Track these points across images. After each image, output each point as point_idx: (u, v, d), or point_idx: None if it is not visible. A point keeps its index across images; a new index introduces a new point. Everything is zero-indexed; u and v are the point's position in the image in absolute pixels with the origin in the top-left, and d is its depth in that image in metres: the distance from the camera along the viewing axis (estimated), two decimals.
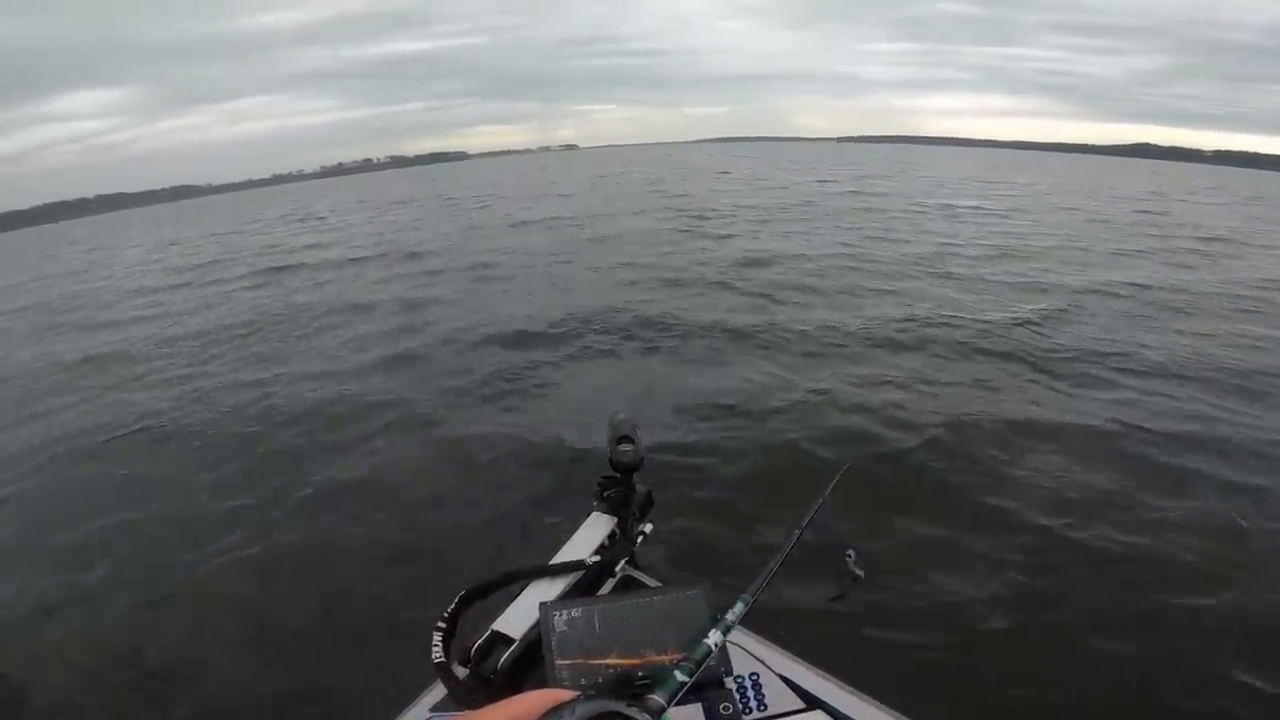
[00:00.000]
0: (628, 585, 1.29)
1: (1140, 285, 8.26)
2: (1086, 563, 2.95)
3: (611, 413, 1.44)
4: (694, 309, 6.98)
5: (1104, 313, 6.97)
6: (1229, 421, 4.32)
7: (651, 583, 1.29)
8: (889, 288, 7.93)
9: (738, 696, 1.03)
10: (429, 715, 1.04)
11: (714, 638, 0.81)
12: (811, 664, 1.10)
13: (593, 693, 0.69)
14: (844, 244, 11.04)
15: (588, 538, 1.33)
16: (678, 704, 0.67)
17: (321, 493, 3.88)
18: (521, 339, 6.25)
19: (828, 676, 1.07)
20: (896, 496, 3.46)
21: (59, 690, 2.61)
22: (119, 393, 5.98)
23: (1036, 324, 6.36)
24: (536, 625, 1.06)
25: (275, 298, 9.57)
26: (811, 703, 1.04)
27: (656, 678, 0.66)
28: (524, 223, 16.08)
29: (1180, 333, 6.33)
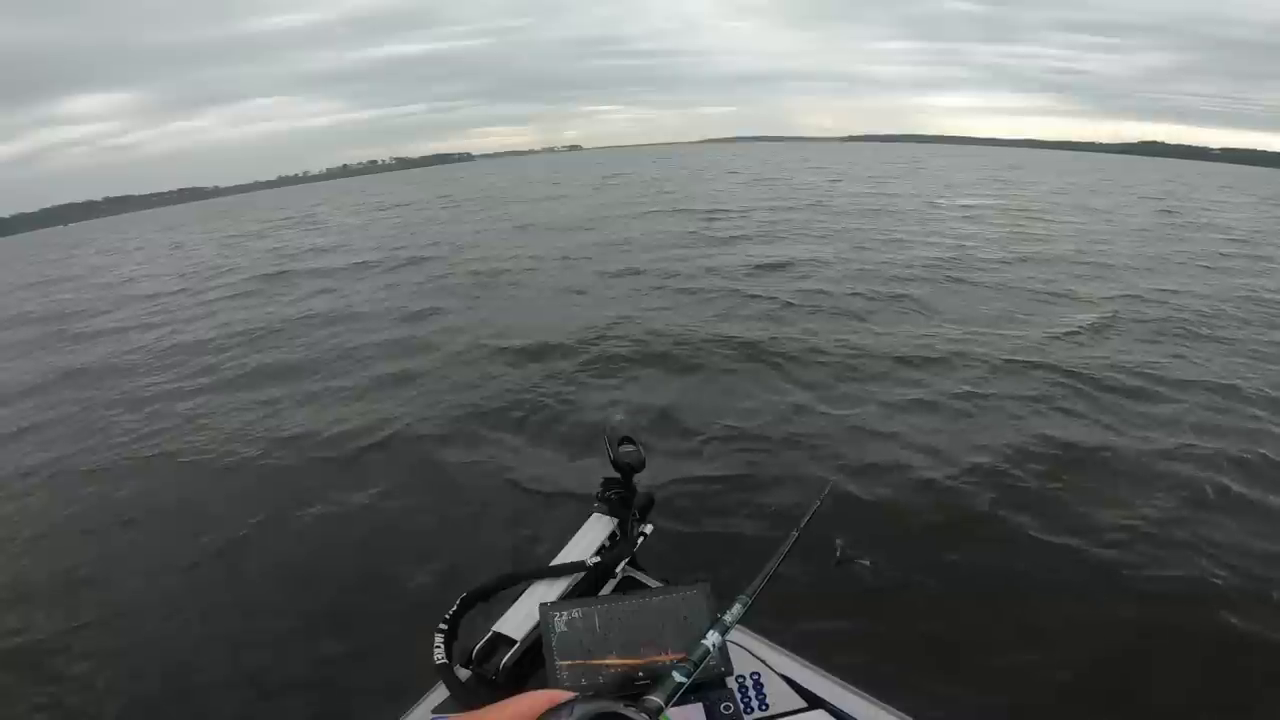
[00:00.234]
0: (628, 586, 1.29)
1: (1178, 291, 7.88)
2: (1089, 565, 2.94)
3: (608, 415, 1.45)
4: (700, 316, 6.80)
5: (1145, 322, 6.63)
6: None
7: (652, 584, 1.29)
8: (905, 292, 7.63)
9: (739, 696, 1.03)
10: (431, 717, 1.05)
11: (712, 638, 0.81)
12: (813, 663, 1.10)
13: (591, 693, 0.69)
14: (859, 247, 10.72)
15: (588, 539, 1.33)
16: (679, 703, 0.68)
17: (323, 497, 3.89)
18: (526, 351, 6.01)
19: (829, 676, 1.07)
20: (897, 497, 3.46)
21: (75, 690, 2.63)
22: (116, 408, 5.81)
23: (1074, 336, 6.03)
24: (537, 626, 1.06)
25: (276, 307, 9.32)
26: (813, 702, 1.04)
27: (656, 678, 0.66)
28: (529, 225, 15.89)
29: (1229, 343, 5.99)
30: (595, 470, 1.52)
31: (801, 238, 11.81)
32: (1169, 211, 17.70)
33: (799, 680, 1.07)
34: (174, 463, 4.50)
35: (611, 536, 1.35)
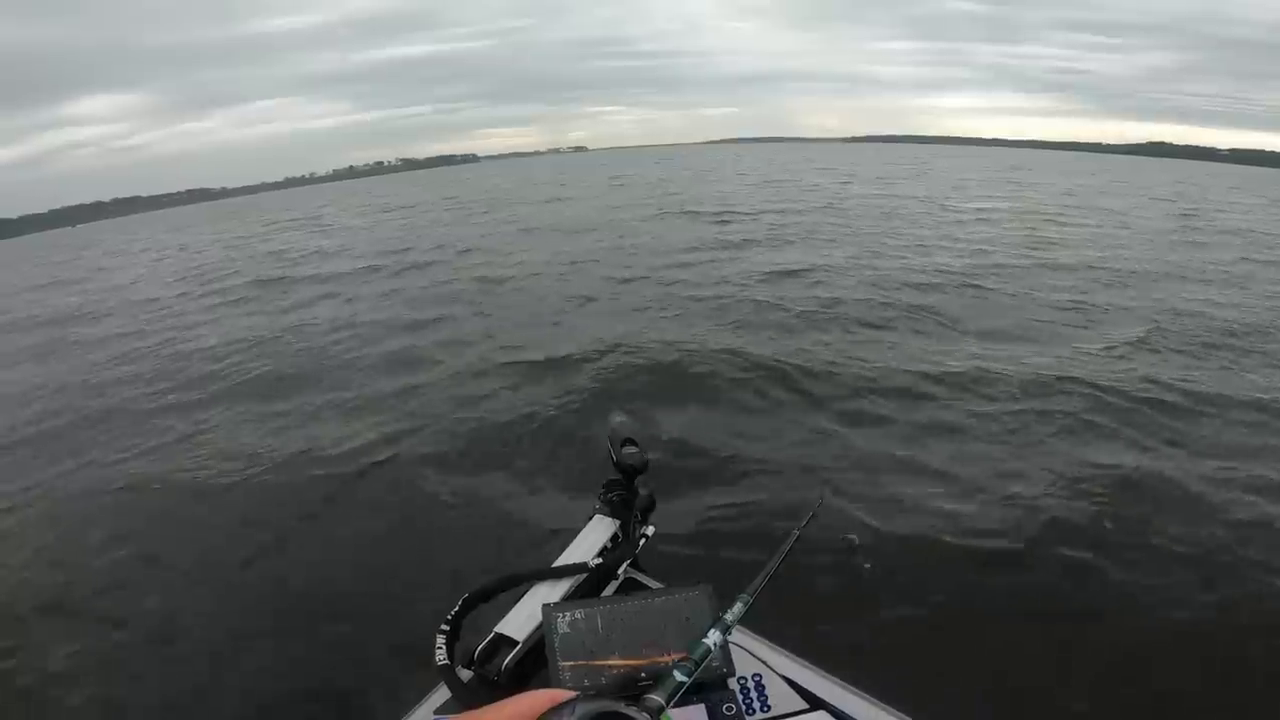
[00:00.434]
0: (630, 587, 1.29)
1: (1210, 301, 7.51)
2: (1094, 569, 2.93)
3: (609, 415, 1.45)
4: (712, 327, 6.54)
5: (1180, 333, 6.24)
6: None
7: (654, 584, 1.29)
8: (924, 302, 7.32)
9: (741, 697, 1.03)
10: (433, 717, 1.05)
11: (713, 637, 0.82)
12: (814, 665, 1.10)
13: (593, 693, 0.70)
14: (873, 252, 10.40)
15: (590, 540, 1.33)
16: (681, 704, 0.68)
17: (324, 499, 3.90)
18: (534, 366, 5.71)
19: (831, 677, 1.07)
20: (898, 499, 3.46)
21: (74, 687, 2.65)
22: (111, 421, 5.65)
23: (1109, 351, 5.67)
24: (539, 627, 1.07)
25: (278, 314, 9.07)
26: (814, 703, 1.04)
27: (658, 678, 0.66)
28: (534, 229, 15.70)
29: (1273, 357, 5.64)
30: (594, 472, 1.51)
31: (814, 242, 11.52)
32: (1185, 215, 17.26)
33: (800, 682, 1.07)
34: (168, 479, 4.33)
35: (613, 538, 1.35)
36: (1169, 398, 4.68)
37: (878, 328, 6.52)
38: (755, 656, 1.10)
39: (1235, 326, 6.55)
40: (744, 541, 2.99)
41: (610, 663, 1.00)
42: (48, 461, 4.91)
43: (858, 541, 2.90)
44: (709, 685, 1.01)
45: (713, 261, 9.90)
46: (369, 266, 12.17)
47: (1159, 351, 5.76)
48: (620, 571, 1.30)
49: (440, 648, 1.08)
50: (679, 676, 0.67)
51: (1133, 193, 25.50)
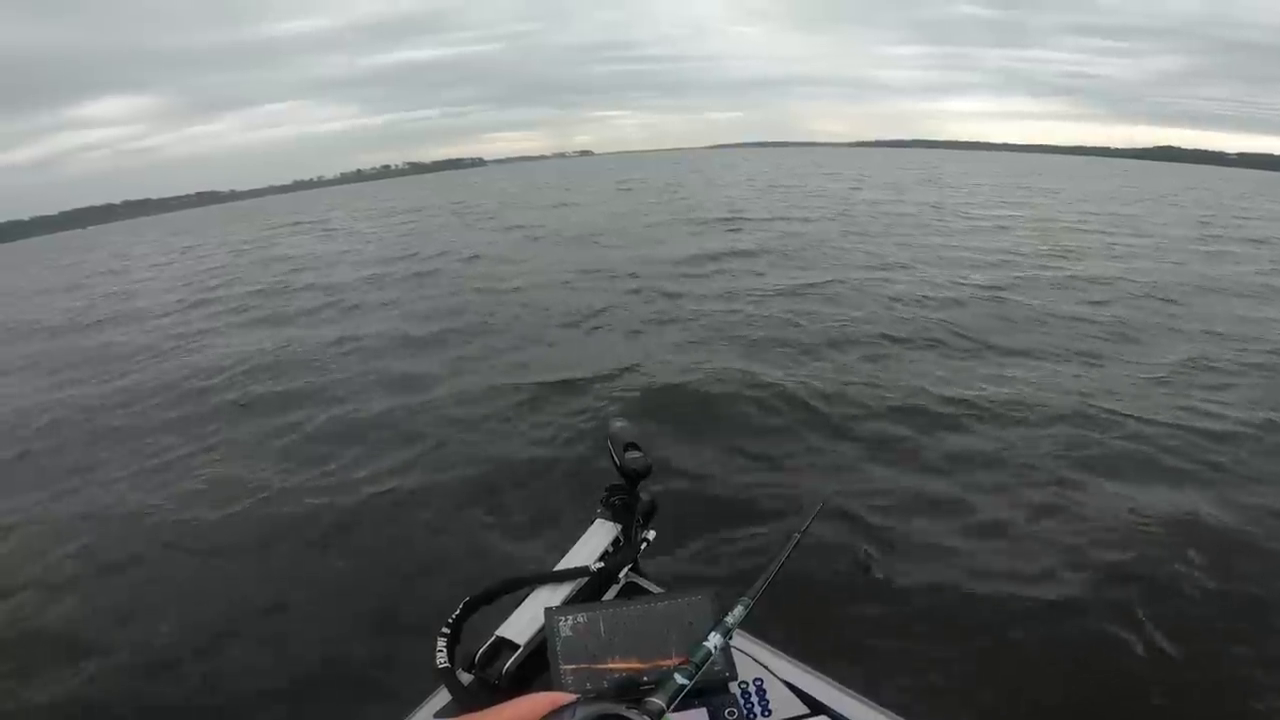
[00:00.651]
0: (631, 592, 1.29)
1: (1262, 320, 7.03)
2: (1095, 571, 2.93)
3: (609, 420, 1.45)
4: (727, 346, 6.25)
5: (1238, 358, 5.78)
6: None
7: (655, 589, 1.29)
8: (952, 319, 6.92)
9: (742, 701, 1.03)
10: None
11: (714, 641, 0.81)
12: (816, 669, 1.10)
13: (594, 696, 0.70)
14: (893, 265, 10.00)
15: (591, 544, 1.33)
16: (682, 708, 0.68)
17: (324, 503, 3.92)
18: (541, 390, 5.37)
19: (832, 682, 1.07)
20: (899, 500, 3.47)
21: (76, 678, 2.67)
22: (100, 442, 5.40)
23: (1162, 382, 5.21)
24: (541, 631, 1.07)
25: (276, 328, 8.67)
26: (816, 708, 1.04)
27: (659, 682, 0.66)
28: (541, 236, 15.51)
29: None
30: (594, 474, 1.51)
31: (830, 253, 11.17)
32: (1204, 223, 16.85)
33: (802, 686, 1.07)
34: (154, 511, 4.09)
35: (615, 542, 1.35)
36: (1221, 427, 4.36)
37: (898, 341, 6.30)
38: (756, 661, 1.10)
39: None
40: (744, 545, 2.99)
41: (612, 666, 1.00)
42: (34, 485, 4.71)
43: (865, 553, 2.89)
44: (710, 689, 1.00)
45: (723, 272, 9.68)
46: (372, 276, 11.89)
47: (1207, 372, 5.47)
48: (621, 576, 1.31)
49: (441, 650, 1.08)
50: (680, 680, 0.67)
51: (1147, 198, 25.26)
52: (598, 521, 1.39)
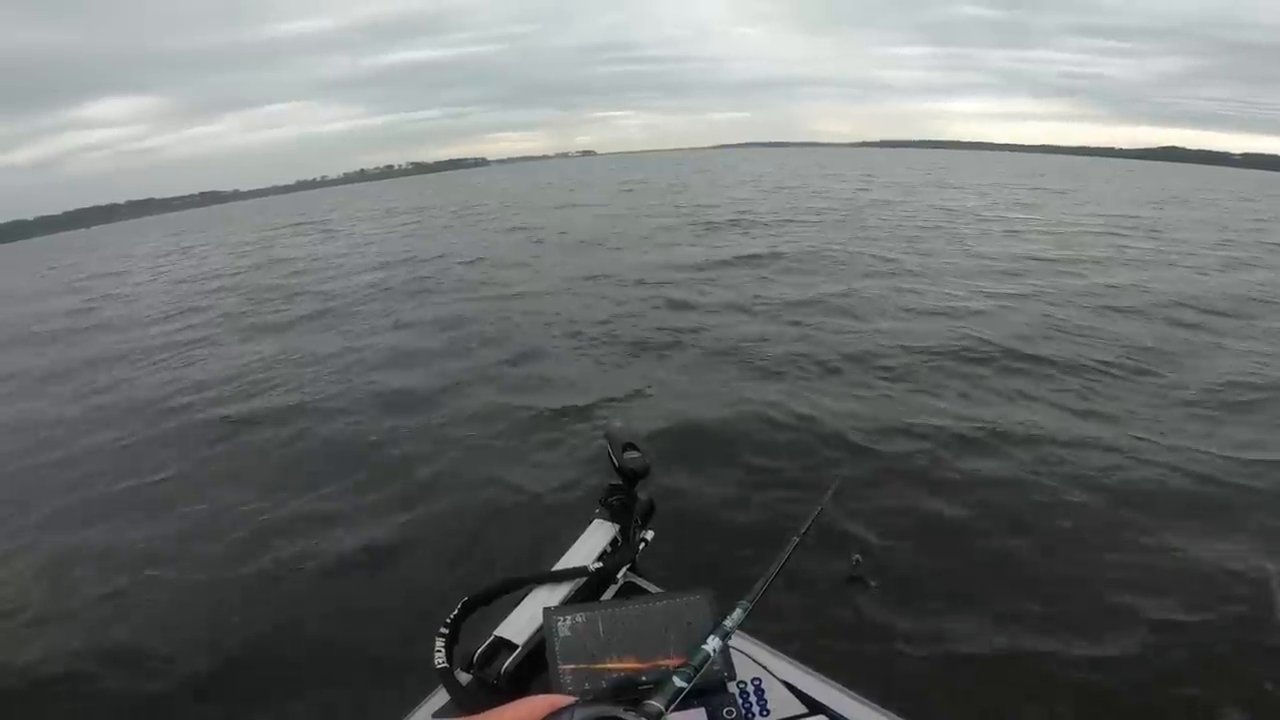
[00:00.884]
0: (630, 591, 1.29)
1: None
2: (1095, 572, 2.93)
3: (608, 422, 1.46)
4: (742, 368, 5.82)
5: None
6: None
7: (653, 589, 1.29)
8: (988, 337, 6.34)
9: (740, 701, 1.03)
10: None
11: (713, 644, 0.82)
12: (814, 669, 1.10)
13: (592, 697, 0.70)
14: (900, 271, 9.57)
15: (590, 545, 1.33)
16: (680, 708, 0.68)
17: (323, 502, 3.93)
18: (547, 416, 4.99)
19: (830, 681, 1.07)
20: (899, 501, 3.48)
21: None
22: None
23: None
24: (539, 631, 1.07)
25: (269, 343, 8.09)
26: (814, 707, 1.04)
27: (658, 683, 0.67)
28: (544, 239, 15.19)
29: None
30: (593, 475, 1.50)
31: (842, 258, 10.70)
32: (1221, 228, 16.15)
33: (800, 686, 1.07)
34: (144, 540, 3.81)
35: (613, 542, 1.35)
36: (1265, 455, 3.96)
37: (912, 353, 5.93)
38: (755, 660, 1.10)
39: None
40: (743, 546, 2.99)
41: (610, 666, 1.00)
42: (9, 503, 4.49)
43: (860, 560, 2.86)
44: (709, 689, 1.00)
45: (732, 279, 9.34)
46: (373, 281, 11.59)
47: (1255, 391, 4.99)
48: (620, 576, 1.31)
49: (439, 650, 1.09)
50: (679, 682, 0.68)
51: (1157, 200, 24.71)
52: (596, 521, 1.39)
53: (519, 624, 1.13)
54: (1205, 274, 9.87)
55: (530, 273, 11.06)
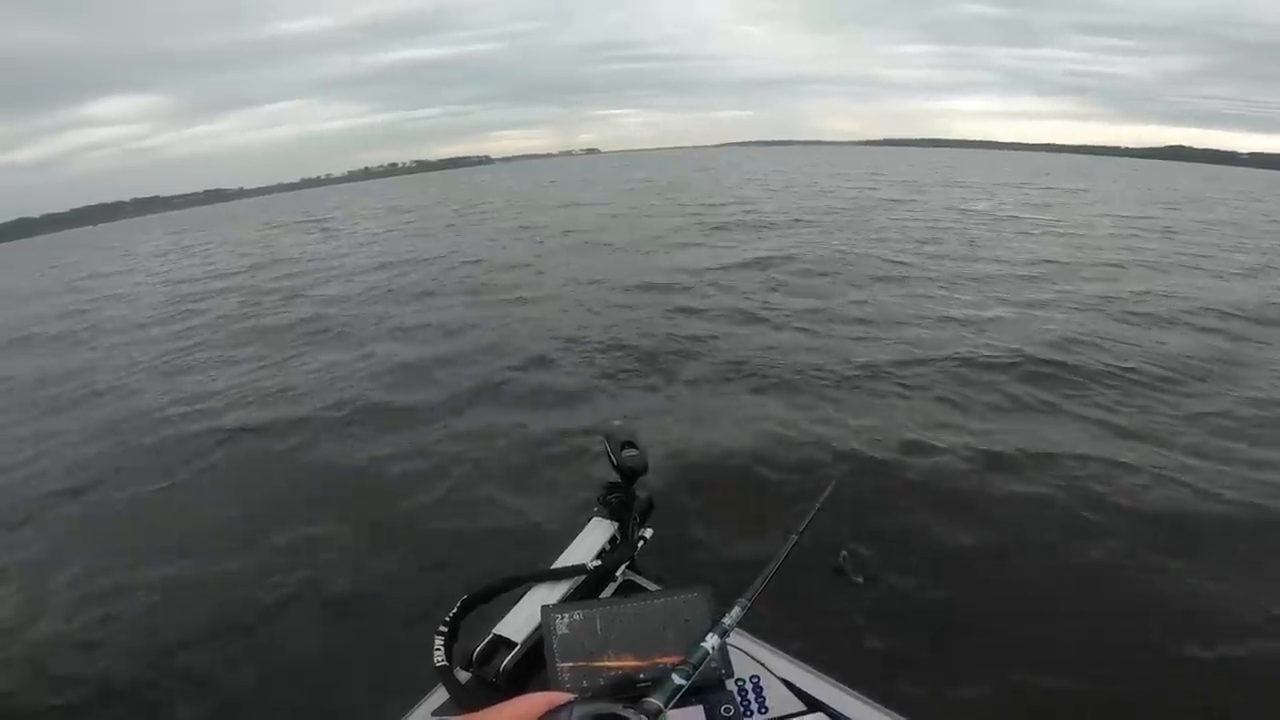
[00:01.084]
0: (628, 589, 1.29)
1: None
2: (1093, 572, 2.94)
3: (607, 421, 1.46)
4: (756, 390, 5.41)
5: None
6: None
7: (652, 587, 1.29)
8: (988, 341, 6.13)
9: (739, 699, 1.03)
10: (431, 719, 1.05)
11: (711, 641, 0.82)
12: (812, 667, 1.10)
13: (590, 695, 0.70)
14: (932, 277, 9.19)
15: (588, 543, 1.33)
16: (679, 705, 0.68)
17: (322, 502, 3.94)
18: (557, 453, 4.50)
19: (828, 679, 1.07)
20: (897, 502, 3.48)
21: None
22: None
23: None
24: (538, 628, 1.07)
25: (263, 363, 7.44)
26: (812, 705, 1.04)
27: (657, 681, 0.67)
28: (547, 240, 14.88)
29: None
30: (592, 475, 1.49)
31: (854, 261, 10.35)
32: (1240, 226, 15.81)
33: (798, 683, 1.07)
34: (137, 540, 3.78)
35: (612, 540, 1.35)
36: None
37: (926, 364, 5.62)
38: (753, 658, 1.10)
39: None
40: (742, 545, 2.99)
41: (609, 664, 1.00)
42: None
43: (848, 555, 2.84)
44: (707, 686, 1.00)
45: (739, 283, 9.04)
46: (373, 284, 11.32)
47: None
48: (618, 573, 1.31)
49: (438, 649, 1.09)
50: (677, 680, 0.68)
51: (1168, 201, 24.21)
52: (595, 519, 1.39)
53: (518, 622, 1.13)
54: (1227, 279, 9.49)
55: (533, 274, 10.93)
